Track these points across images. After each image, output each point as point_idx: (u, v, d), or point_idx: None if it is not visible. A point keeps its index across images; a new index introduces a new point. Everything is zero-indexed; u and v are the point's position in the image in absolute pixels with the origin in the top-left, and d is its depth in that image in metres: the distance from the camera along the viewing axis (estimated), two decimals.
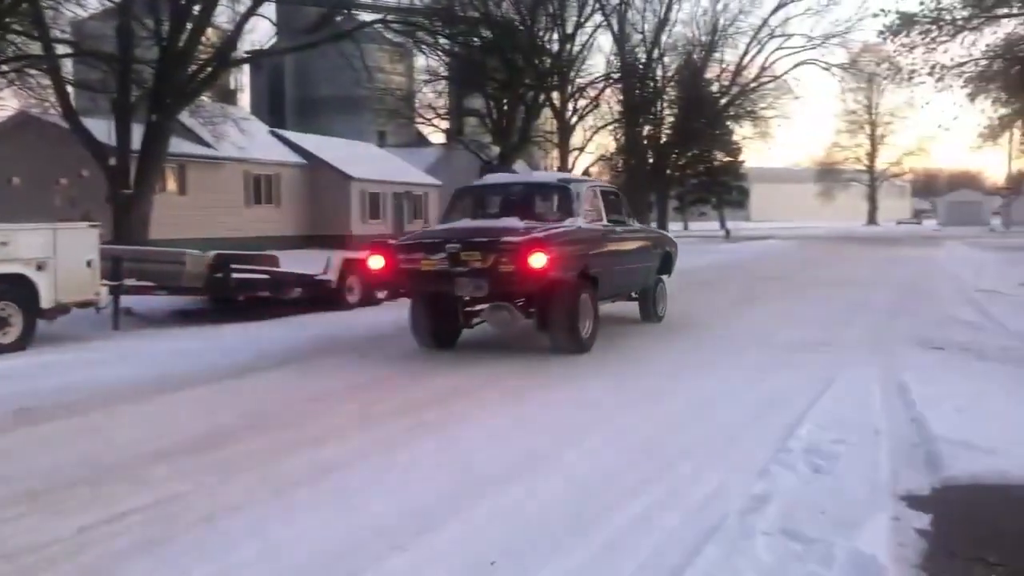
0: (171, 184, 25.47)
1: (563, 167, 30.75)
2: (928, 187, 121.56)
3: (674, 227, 52.83)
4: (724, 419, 5.51)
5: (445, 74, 37.43)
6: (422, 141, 49.65)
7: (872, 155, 76.04)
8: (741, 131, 49.57)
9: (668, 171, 45.24)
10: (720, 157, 62.59)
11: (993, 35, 26.55)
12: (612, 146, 44.50)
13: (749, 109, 44.92)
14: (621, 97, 40.11)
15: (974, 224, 73.16)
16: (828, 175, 76.47)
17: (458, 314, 8.70)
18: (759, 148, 51.00)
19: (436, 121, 39.96)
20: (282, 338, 9.50)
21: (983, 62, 26.34)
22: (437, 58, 36.81)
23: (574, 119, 31.93)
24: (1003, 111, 32.52)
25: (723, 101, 43.97)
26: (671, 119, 44.87)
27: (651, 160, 43.41)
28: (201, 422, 5.59)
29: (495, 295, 7.98)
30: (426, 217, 35.75)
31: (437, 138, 45.31)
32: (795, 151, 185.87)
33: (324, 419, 5.67)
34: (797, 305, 12.80)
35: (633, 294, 10.46)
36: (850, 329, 10.03)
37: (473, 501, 3.88)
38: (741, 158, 65.24)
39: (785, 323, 10.52)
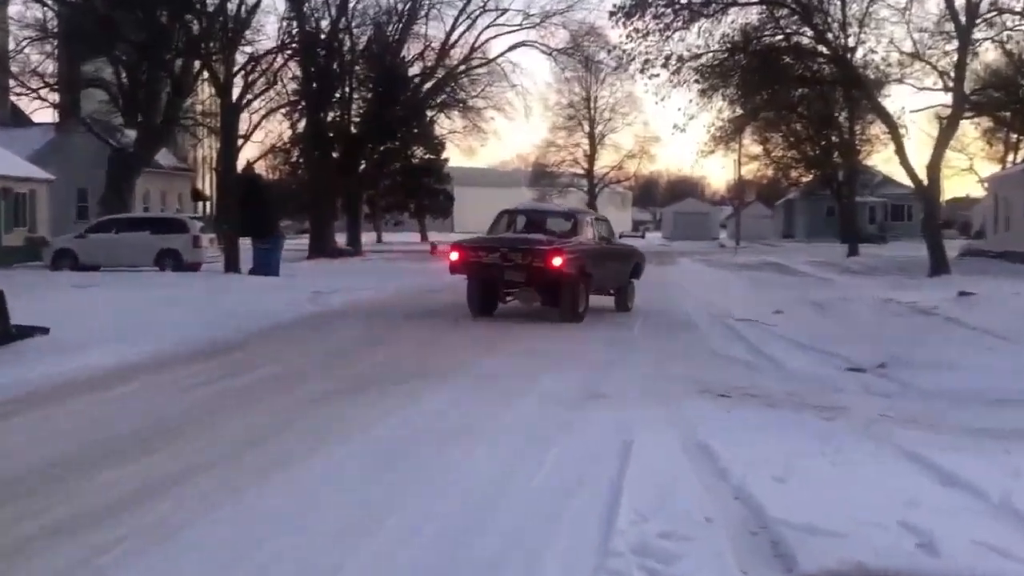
0: None
1: (228, 156, 29.53)
2: (647, 196, 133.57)
3: (366, 238, 52.95)
4: (523, 511, 5.29)
5: (56, 30, 34.59)
6: (21, 120, 45.54)
7: (591, 157, 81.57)
8: (447, 123, 50.82)
9: (359, 169, 45.29)
10: (420, 154, 63.94)
11: (731, 24, 29.43)
12: (287, 135, 43.75)
13: (457, 97, 46.21)
14: (299, 74, 39.53)
15: (701, 238, 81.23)
16: (543, 178, 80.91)
17: (497, 294, 16.29)
18: (467, 146, 52.47)
19: (44, 93, 36.82)
20: None
21: (721, 55, 29.07)
22: (44, 6, 34.01)
23: (247, 97, 30.72)
24: (737, 111, 36.16)
25: (426, 86, 44.87)
26: (362, 105, 45.02)
27: (337, 155, 43.22)
28: None
29: (527, 282, 15.43)
30: (33, 225, 32.72)
31: (45, 115, 41.89)
32: (505, 150, 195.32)
33: None
34: (547, 342, 13.14)
35: (611, 291, 17.83)
36: (621, 374, 10.38)
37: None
38: (445, 156, 67.22)
39: (541, 366, 10.68)
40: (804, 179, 64.26)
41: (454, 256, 15.95)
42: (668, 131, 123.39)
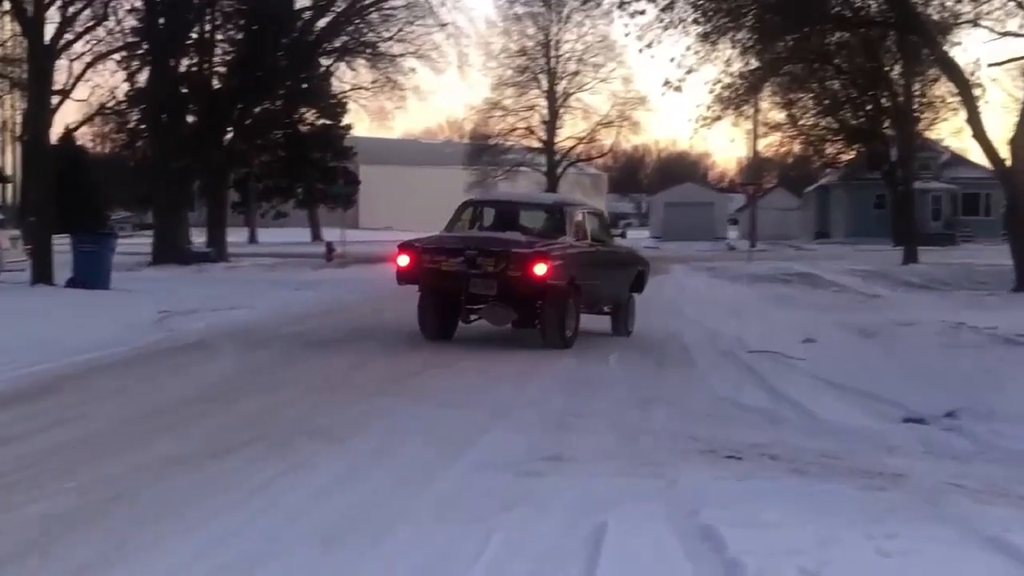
0: None
1: (38, 121, 29.19)
2: (630, 179, 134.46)
3: (235, 237, 52.53)
4: None
5: None
6: None
7: (551, 124, 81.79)
8: (350, 76, 50.64)
9: (224, 139, 45.00)
10: (312, 119, 63.72)
11: None
12: (123, 91, 43.33)
13: (363, 40, 46.07)
14: (140, 5, 39.21)
15: (703, 237, 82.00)
16: (484, 154, 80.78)
17: (459, 311, 17.16)
18: (377, 108, 51.72)
19: None
20: None
21: None
22: None
23: (66, 38, 30.41)
24: (752, 64, 36.47)
25: (319, 24, 44.74)
26: (228, 50, 44.75)
27: (193, 119, 42.88)
28: None
29: (501, 295, 16.28)
30: None
31: None
32: (431, 115, 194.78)
33: None
34: (489, 381, 13.28)
35: (606, 308, 19.27)
36: (592, 426, 10.41)
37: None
38: (346, 122, 67.03)
39: (482, 416, 10.73)
40: (844, 157, 64.97)
41: (403, 261, 16.95)
42: (658, 90, 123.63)
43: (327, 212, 71.14)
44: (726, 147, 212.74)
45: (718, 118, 39.42)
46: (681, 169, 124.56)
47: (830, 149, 63.61)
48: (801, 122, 59.65)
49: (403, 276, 17.03)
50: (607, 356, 16.06)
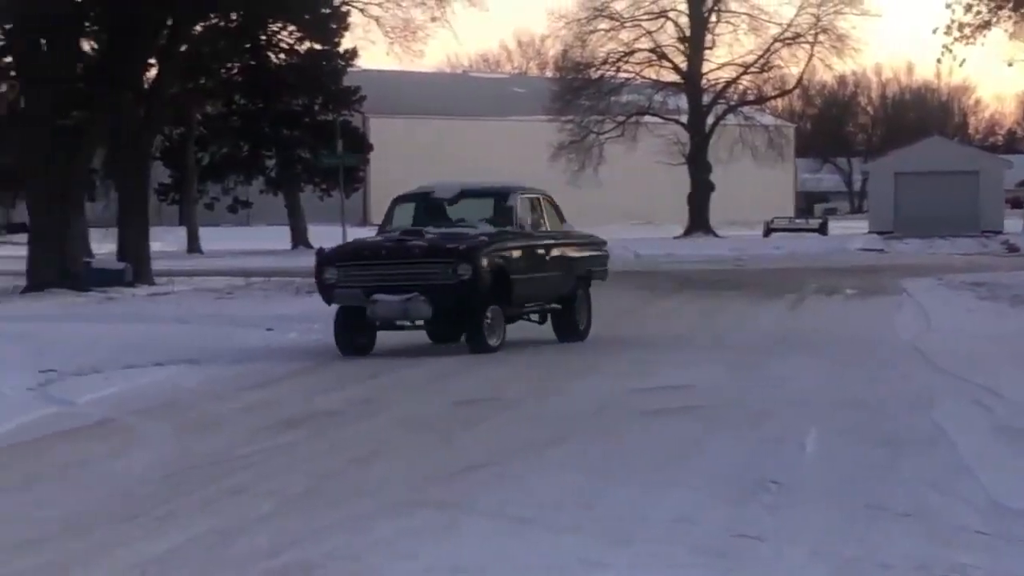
0: None
1: None
2: (834, 134, 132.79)
3: (166, 244, 52.85)
4: None
5: None
6: None
7: (696, 42, 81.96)
8: None
9: (141, 80, 45.50)
10: (288, 42, 64.14)
11: None
12: None
13: None
14: None
15: (962, 230, 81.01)
16: (581, 92, 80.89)
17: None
18: (400, 25, 51.51)
19: None
20: None
21: None
22: None
23: None
24: None
25: None
26: None
27: (95, 47, 43.33)
28: None
29: None
30: None
31: None
32: (487, 33, 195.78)
33: None
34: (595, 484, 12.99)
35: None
36: (776, 556, 10.13)
37: None
38: (347, 46, 67.40)
39: (588, 543, 10.46)
40: None
41: None
42: None
43: (317, 200, 71.12)
44: (1000, 76, 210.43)
45: (985, 25, 39.23)
46: (922, 116, 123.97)
47: None
48: None
49: None
50: (802, 431, 15.91)
